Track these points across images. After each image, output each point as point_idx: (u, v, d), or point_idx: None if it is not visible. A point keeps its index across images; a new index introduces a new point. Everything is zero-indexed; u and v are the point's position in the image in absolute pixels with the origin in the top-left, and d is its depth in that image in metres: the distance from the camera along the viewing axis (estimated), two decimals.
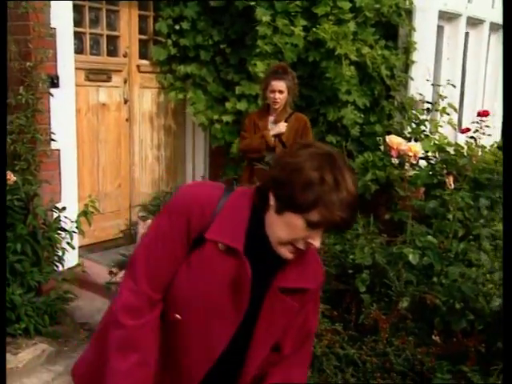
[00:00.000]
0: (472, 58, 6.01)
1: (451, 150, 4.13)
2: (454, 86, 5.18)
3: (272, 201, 1.43)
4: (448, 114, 4.81)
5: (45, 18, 4.06)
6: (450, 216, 3.06)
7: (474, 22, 5.82)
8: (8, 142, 3.70)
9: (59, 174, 4.33)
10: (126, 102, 5.14)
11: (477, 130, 3.84)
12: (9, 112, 3.71)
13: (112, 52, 5.02)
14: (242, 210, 1.50)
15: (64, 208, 4.03)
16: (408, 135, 4.45)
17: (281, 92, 3.89)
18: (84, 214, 4.00)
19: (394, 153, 3.02)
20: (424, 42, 4.95)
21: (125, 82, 5.11)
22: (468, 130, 3.96)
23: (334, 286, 2.76)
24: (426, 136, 4.44)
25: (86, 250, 4.76)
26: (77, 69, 4.49)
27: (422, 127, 4.51)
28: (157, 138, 5.49)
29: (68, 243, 3.98)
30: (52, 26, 4.13)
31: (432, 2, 5.04)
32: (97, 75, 4.87)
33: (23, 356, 3.48)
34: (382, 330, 2.49)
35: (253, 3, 4.53)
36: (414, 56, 4.94)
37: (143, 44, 5.27)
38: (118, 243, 4.93)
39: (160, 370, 1.55)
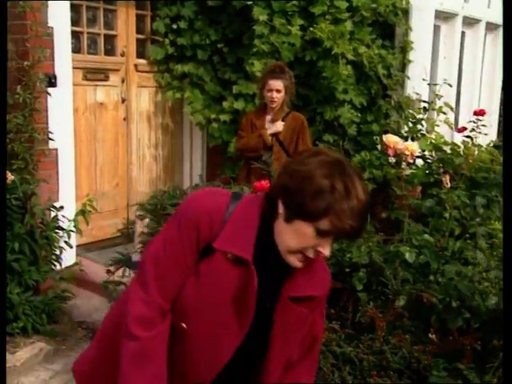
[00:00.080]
0: (468, 57, 6.03)
1: (448, 149, 4.15)
2: (451, 86, 5.20)
3: (281, 209, 1.42)
4: (444, 113, 4.82)
5: (42, 17, 4.06)
6: (447, 215, 3.07)
7: (470, 22, 5.84)
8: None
9: (57, 173, 4.33)
10: (123, 101, 5.14)
11: (473, 129, 3.86)
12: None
13: (109, 51, 5.02)
14: (251, 218, 1.48)
15: (62, 207, 4.03)
16: (405, 134, 4.47)
17: (278, 91, 3.89)
18: (82, 212, 4.00)
19: (390, 152, 3.02)
20: (420, 41, 4.97)
21: (122, 81, 5.11)
22: (464, 129, 3.97)
23: (331, 285, 2.77)
24: (423, 135, 4.46)
25: (83, 248, 4.76)
26: (74, 68, 4.49)
27: (419, 126, 4.52)
28: (154, 137, 5.49)
29: (66, 242, 3.99)
30: (49, 25, 4.13)
31: (428, 1, 5.05)
32: (94, 74, 4.87)
33: (21, 355, 3.48)
34: (378, 328, 2.50)
35: (250, 3, 4.53)
36: (411, 55, 4.95)
37: (141, 43, 5.27)
38: (116, 242, 4.93)
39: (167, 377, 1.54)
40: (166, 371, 1.50)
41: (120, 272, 3.38)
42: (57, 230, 3.96)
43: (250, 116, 4.13)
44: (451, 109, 5.02)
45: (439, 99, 4.78)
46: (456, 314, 2.42)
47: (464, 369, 2.35)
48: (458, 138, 4.39)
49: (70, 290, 4.01)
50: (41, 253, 3.85)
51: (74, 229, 4.01)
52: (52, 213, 4.02)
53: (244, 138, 4.05)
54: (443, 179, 3.18)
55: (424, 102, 4.78)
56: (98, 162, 5.00)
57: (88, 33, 4.81)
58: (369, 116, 4.73)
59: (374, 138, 4.65)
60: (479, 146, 3.97)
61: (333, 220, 1.34)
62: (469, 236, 3.07)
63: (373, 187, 4.17)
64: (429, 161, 4.07)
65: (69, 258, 4.24)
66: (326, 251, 1.42)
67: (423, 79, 4.90)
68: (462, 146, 3.98)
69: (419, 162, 4.04)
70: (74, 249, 4.34)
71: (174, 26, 5.01)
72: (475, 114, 3.87)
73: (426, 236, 2.83)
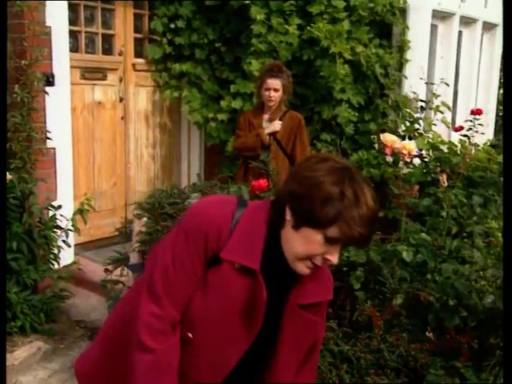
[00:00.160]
0: (465, 56, 6.03)
1: (445, 148, 4.16)
2: (448, 85, 5.21)
3: (288, 215, 1.40)
4: (442, 113, 4.84)
5: (40, 16, 4.06)
6: (444, 213, 3.08)
7: (467, 21, 5.85)
8: None
9: (55, 172, 4.33)
10: (121, 100, 5.14)
11: (470, 129, 3.88)
12: None
13: (107, 50, 5.02)
14: (258, 225, 1.46)
15: (60, 206, 4.03)
16: (402, 133, 4.48)
17: (276, 90, 3.90)
18: (79, 212, 4.01)
19: (388, 151, 3.03)
20: (418, 40, 4.98)
21: (120, 80, 5.12)
22: (461, 128, 3.99)
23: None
24: (420, 134, 4.47)
25: (81, 248, 4.77)
26: (72, 67, 4.49)
27: (416, 125, 4.54)
28: (152, 136, 5.49)
29: (64, 241, 3.99)
30: (47, 24, 4.13)
31: (426, 0, 5.06)
32: (92, 74, 4.87)
33: (19, 354, 3.49)
34: (376, 326, 2.50)
35: (247, 2, 4.54)
36: (408, 54, 4.96)
37: (138, 42, 5.27)
38: (114, 241, 4.92)
39: None
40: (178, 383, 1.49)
41: (118, 271, 3.38)
42: (55, 229, 3.97)
43: (248, 115, 4.13)
44: (448, 108, 5.04)
45: (436, 98, 4.80)
46: (453, 313, 2.42)
47: (461, 367, 2.35)
48: (455, 137, 4.41)
49: (68, 289, 4.01)
50: (39, 252, 3.85)
51: (72, 228, 4.02)
52: (50, 212, 4.03)
53: (242, 138, 4.06)
54: (440, 178, 3.19)
55: (421, 101, 4.79)
56: (96, 161, 5.00)
57: (86, 32, 4.81)
58: (366, 115, 4.74)
59: (372, 137, 4.66)
60: (476, 145, 3.99)
61: (342, 227, 1.33)
62: (466, 235, 3.08)
63: None
64: (426, 160, 4.08)
65: (67, 257, 4.24)
66: (335, 258, 1.41)
67: (420, 78, 4.91)
68: (459, 145, 4.00)
69: (416, 161, 4.05)
70: (72, 248, 4.34)
71: (172, 26, 5.01)
72: (472, 113, 3.89)
73: (424, 235, 2.83)
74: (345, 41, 4.46)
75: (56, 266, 4.04)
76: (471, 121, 3.85)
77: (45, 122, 4.19)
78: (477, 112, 3.87)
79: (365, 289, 2.69)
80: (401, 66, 4.98)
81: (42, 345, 3.62)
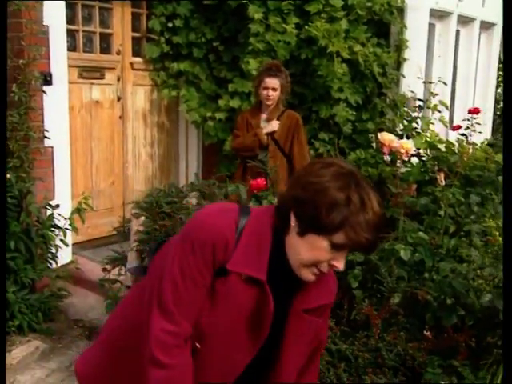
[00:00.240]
0: (463, 55, 6.04)
1: (442, 147, 4.16)
2: (446, 84, 5.22)
3: (293, 222, 1.39)
4: (439, 112, 4.84)
5: (37, 15, 4.06)
6: (442, 212, 3.08)
7: (464, 20, 5.86)
8: None
9: (52, 171, 4.33)
10: (119, 99, 5.14)
11: (468, 128, 3.87)
12: None
13: (105, 49, 5.02)
14: (263, 234, 1.44)
15: (57, 205, 4.03)
16: (400, 132, 4.48)
17: (274, 89, 3.90)
18: (77, 211, 4.00)
19: (385, 150, 3.03)
20: (415, 39, 4.99)
21: (118, 79, 5.11)
22: (459, 127, 3.99)
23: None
24: (418, 133, 4.46)
25: (79, 247, 4.77)
26: (70, 66, 4.49)
27: (414, 124, 4.53)
28: (150, 135, 5.49)
29: (61, 240, 3.99)
30: (45, 23, 4.13)
31: (423, 0, 5.07)
32: (90, 73, 4.87)
33: (17, 353, 3.49)
34: (373, 325, 2.51)
35: (245, 1, 4.54)
36: (406, 54, 4.97)
37: (136, 41, 5.27)
38: (112, 240, 4.91)
39: None
40: None
41: (116, 270, 3.38)
42: (53, 229, 3.97)
43: (246, 115, 4.13)
44: (446, 107, 5.04)
45: (434, 97, 4.80)
46: (450, 312, 2.43)
47: (458, 365, 2.36)
48: (453, 136, 4.41)
49: (66, 288, 4.01)
50: (37, 251, 3.85)
51: (69, 227, 4.02)
52: (48, 211, 4.02)
53: (239, 138, 4.05)
54: (438, 177, 3.19)
55: (419, 100, 4.79)
56: (94, 161, 5.00)
57: (83, 31, 4.81)
58: (364, 114, 4.74)
59: (370, 136, 4.66)
60: (474, 144, 3.99)
61: (348, 233, 1.32)
62: (463, 234, 3.08)
63: None
64: (424, 159, 4.08)
65: (65, 256, 4.24)
66: (341, 265, 1.40)
67: (418, 77, 4.92)
68: (457, 144, 3.99)
69: (414, 160, 4.05)
70: (70, 247, 4.34)
71: (170, 25, 5.01)
72: (470, 112, 3.88)
73: (421, 234, 2.84)
74: (343, 40, 4.47)
75: (54, 265, 4.04)
76: (469, 120, 3.85)
77: (42, 121, 4.19)
78: (474, 111, 3.87)
79: (362, 288, 2.69)
80: (398, 65, 4.99)
81: (40, 344, 3.62)
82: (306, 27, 4.47)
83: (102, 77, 4.98)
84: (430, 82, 5.02)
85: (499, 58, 6.65)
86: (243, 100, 4.77)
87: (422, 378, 2.38)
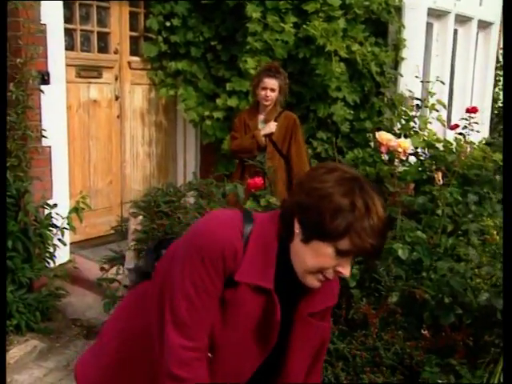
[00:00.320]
0: (460, 54, 6.05)
1: (440, 146, 4.16)
2: (443, 83, 5.22)
3: (297, 228, 1.37)
4: (437, 111, 4.84)
5: (35, 14, 4.06)
6: (439, 211, 3.08)
7: (462, 20, 5.86)
8: None
9: (50, 170, 4.32)
10: (117, 98, 5.14)
11: (465, 127, 3.87)
12: None
13: (103, 49, 5.01)
14: (269, 241, 1.43)
15: (55, 205, 4.03)
16: (397, 131, 4.48)
17: (272, 90, 3.91)
18: (75, 210, 4.01)
19: (383, 149, 3.03)
20: (413, 39, 4.99)
21: (116, 78, 5.11)
22: (457, 126, 3.99)
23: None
24: (416, 132, 4.47)
25: (77, 246, 4.76)
26: (67, 65, 4.49)
27: (412, 123, 4.54)
28: (148, 134, 5.49)
29: (59, 240, 3.99)
30: (42, 22, 4.13)
31: None
32: (87, 72, 4.87)
33: (15, 352, 3.49)
34: (371, 324, 2.50)
35: (243, 0, 4.54)
36: (404, 53, 4.97)
37: (134, 41, 5.26)
38: (109, 240, 4.91)
39: None
40: None
41: (114, 269, 3.38)
42: (50, 228, 3.97)
43: (243, 116, 4.12)
44: (444, 106, 5.05)
45: (432, 96, 4.80)
46: (448, 310, 2.43)
47: (456, 364, 2.36)
48: (451, 135, 4.41)
49: (64, 288, 4.01)
50: (34, 250, 3.85)
51: (67, 226, 4.02)
52: (45, 210, 4.02)
53: (237, 140, 4.05)
54: (436, 176, 3.19)
55: (417, 99, 4.79)
56: (92, 160, 5.00)
57: (81, 30, 4.80)
58: (362, 113, 4.75)
59: (367, 135, 4.66)
60: (471, 143, 3.99)
61: (353, 239, 1.31)
62: (461, 233, 3.08)
63: None
64: (421, 158, 4.08)
65: (62, 255, 4.24)
66: (346, 271, 1.38)
67: (416, 77, 4.92)
68: (455, 143, 3.99)
69: (412, 159, 4.05)
70: (68, 246, 4.34)
71: (168, 24, 5.00)
72: (467, 111, 3.89)
73: (419, 233, 2.84)
74: (340, 39, 4.47)
75: (52, 265, 4.04)
76: (466, 119, 3.85)
77: (40, 121, 4.18)
78: (472, 110, 3.88)
79: (360, 287, 2.69)
80: (396, 64, 4.99)
81: (38, 343, 3.62)
82: (304, 26, 4.47)
83: (99, 76, 4.97)
84: (428, 81, 5.03)
85: (497, 57, 6.66)
86: (241, 99, 4.77)
87: (420, 377, 2.38)
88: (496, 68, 6.68)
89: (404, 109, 4.64)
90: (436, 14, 5.43)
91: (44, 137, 4.17)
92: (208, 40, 4.96)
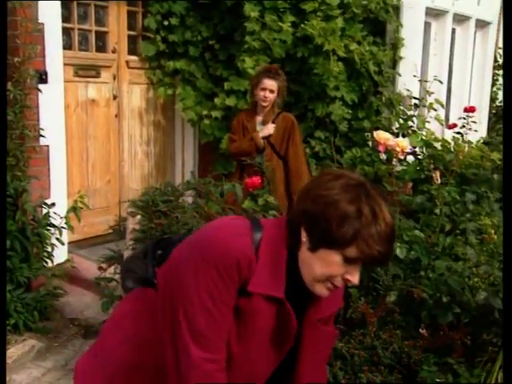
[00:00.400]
0: (458, 54, 6.06)
1: (438, 146, 4.16)
2: (441, 82, 5.23)
3: (304, 237, 1.37)
4: (435, 110, 4.84)
5: (33, 13, 4.05)
6: (437, 211, 3.09)
7: (460, 19, 5.87)
8: None
9: (48, 169, 4.32)
10: (115, 97, 5.13)
11: (463, 126, 3.88)
12: None
13: (101, 48, 5.01)
14: (279, 250, 1.42)
15: (53, 204, 4.02)
16: (396, 131, 4.48)
17: (271, 91, 3.91)
18: (73, 209, 4.00)
19: (381, 148, 3.03)
20: (411, 38, 4.99)
21: (114, 77, 5.10)
22: (455, 125, 4.00)
23: None
24: (414, 131, 4.47)
25: (75, 245, 4.76)
26: (65, 64, 4.48)
27: (410, 123, 4.54)
28: (146, 133, 5.49)
29: (57, 239, 3.98)
30: (40, 21, 4.12)
31: None
32: (85, 71, 4.86)
33: (12, 352, 3.48)
34: (369, 323, 2.51)
35: None
36: (402, 52, 4.97)
37: (132, 40, 5.26)
38: (108, 239, 4.90)
39: None
40: None
41: (112, 269, 3.38)
42: (48, 227, 3.96)
43: (241, 117, 4.11)
44: (442, 105, 5.05)
45: (430, 96, 4.80)
46: (446, 309, 2.43)
47: (454, 363, 2.37)
48: (449, 135, 4.41)
49: (62, 287, 4.00)
50: (32, 250, 3.84)
51: (65, 226, 4.01)
52: (43, 210, 4.01)
53: (236, 142, 4.05)
54: (434, 175, 3.19)
55: (415, 98, 4.79)
56: (90, 159, 4.99)
57: (79, 29, 4.80)
58: (360, 112, 4.75)
59: (365, 134, 4.67)
60: (469, 142, 3.99)
61: (361, 247, 1.30)
62: (459, 232, 3.08)
63: None
64: (419, 157, 4.09)
65: (60, 254, 4.24)
66: (355, 278, 1.37)
67: (414, 76, 4.92)
68: (453, 143, 4.00)
69: (410, 158, 4.05)
70: (66, 246, 4.33)
71: (166, 23, 5.00)
72: (465, 110, 3.90)
73: (417, 232, 2.84)
74: (338, 38, 4.47)
75: (49, 264, 4.04)
76: (464, 118, 3.86)
77: (38, 120, 4.18)
78: (470, 109, 3.88)
79: (358, 286, 2.69)
80: (394, 63, 4.99)
81: (36, 343, 3.62)
82: (302, 25, 4.47)
83: (97, 75, 4.97)
84: (426, 81, 5.03)
85: (494, 57, 6.67)
86: (239, 98, 4.77)
87: (418, 376, 2.39)
88: (494, 67, 6.68)
89: (402, 108, 4.64)
90: (434, 13, 5.44)
91: (42, 136, 4.17)
92: (206, 39, 4.95)
